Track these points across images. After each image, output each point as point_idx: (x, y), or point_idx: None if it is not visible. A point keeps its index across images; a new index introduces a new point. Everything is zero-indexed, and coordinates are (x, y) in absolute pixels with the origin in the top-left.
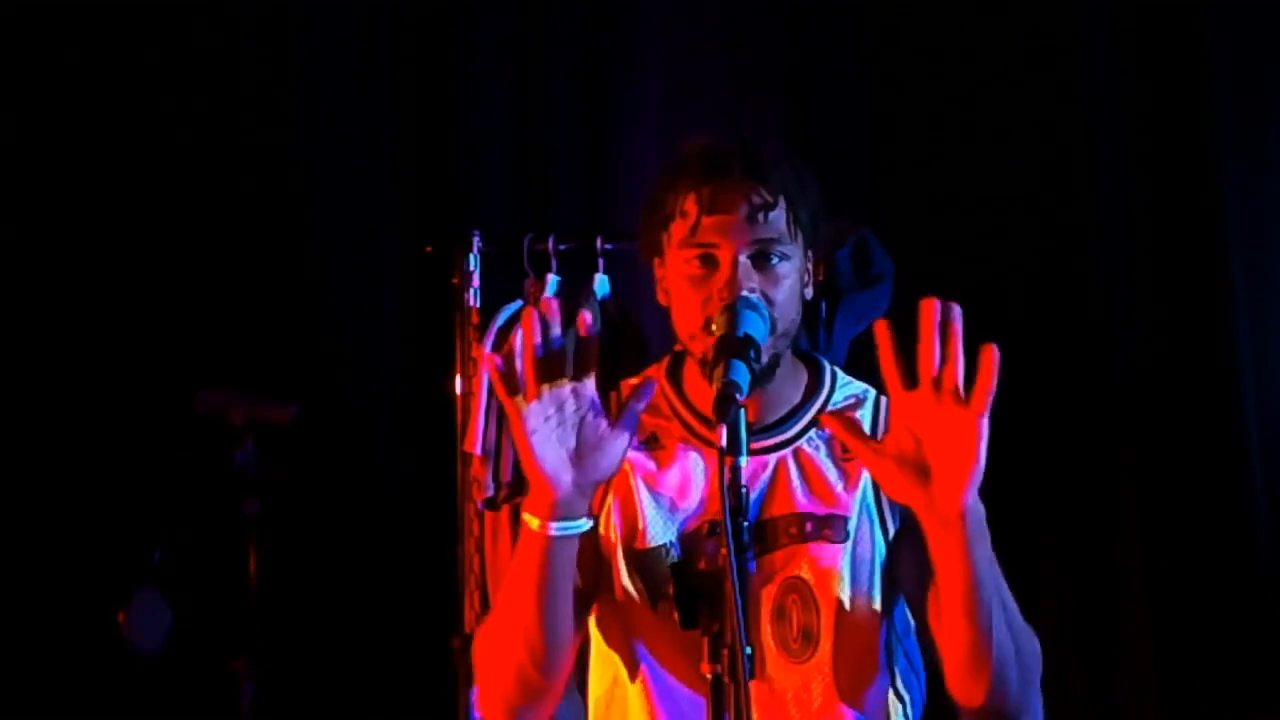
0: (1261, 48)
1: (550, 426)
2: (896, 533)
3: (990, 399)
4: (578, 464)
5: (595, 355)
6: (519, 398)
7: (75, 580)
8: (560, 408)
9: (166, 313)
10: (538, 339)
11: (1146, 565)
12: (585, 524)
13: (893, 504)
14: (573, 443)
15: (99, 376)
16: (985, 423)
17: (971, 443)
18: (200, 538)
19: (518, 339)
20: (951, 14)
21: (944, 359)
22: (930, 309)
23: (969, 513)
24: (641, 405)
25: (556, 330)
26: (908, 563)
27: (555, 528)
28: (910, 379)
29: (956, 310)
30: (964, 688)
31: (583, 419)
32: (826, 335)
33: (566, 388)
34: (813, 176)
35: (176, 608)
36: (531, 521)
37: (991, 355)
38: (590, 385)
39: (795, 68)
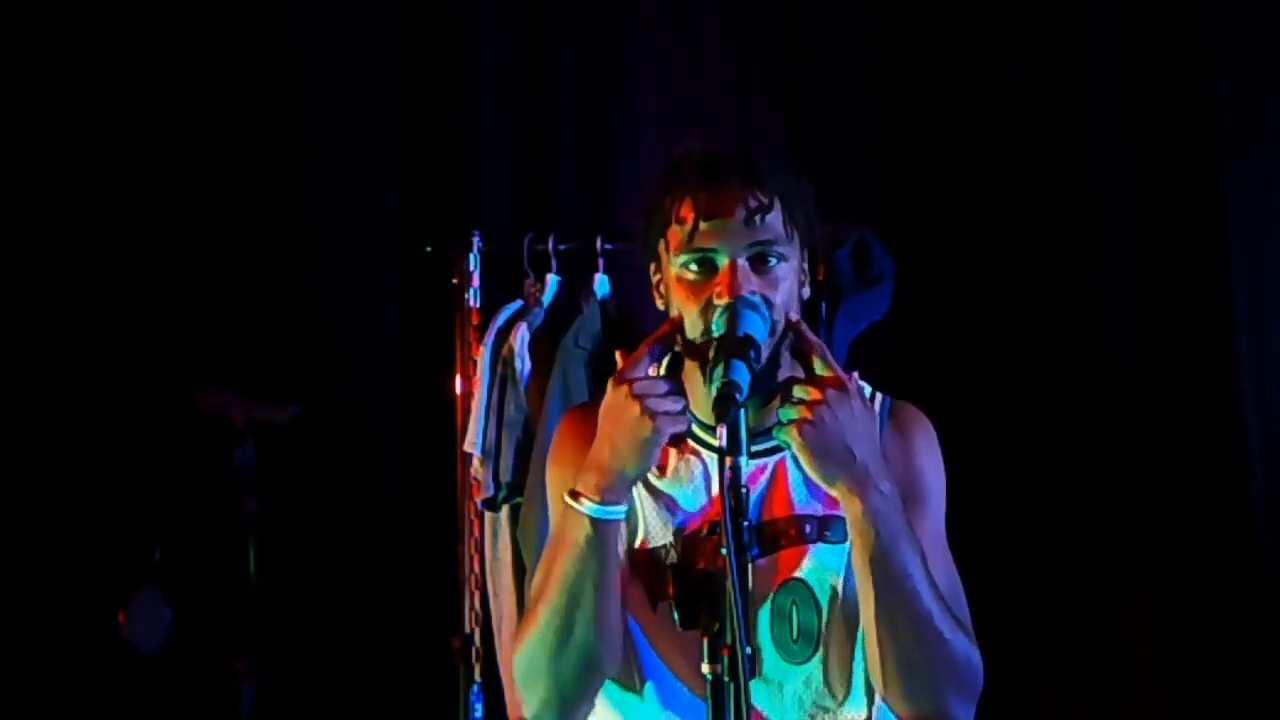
0: (1261, 48)
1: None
2: None
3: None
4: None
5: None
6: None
7: (75, 580)
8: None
9: (166, 313)
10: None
11: (1147, 567)
12: (625, 509)
13: None
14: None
15: (100, 376)
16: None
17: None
18: (200, 538)
19: (517, 338)
20: (951, 14)
21: None
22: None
23: (864, 511)
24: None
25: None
26: None
27: (607, 511)
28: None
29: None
30: (880, 687)
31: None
32: (826, 335)
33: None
34: (807, 176)
35: (176, 608)
36: (589, 506)
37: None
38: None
39: (795, 68)
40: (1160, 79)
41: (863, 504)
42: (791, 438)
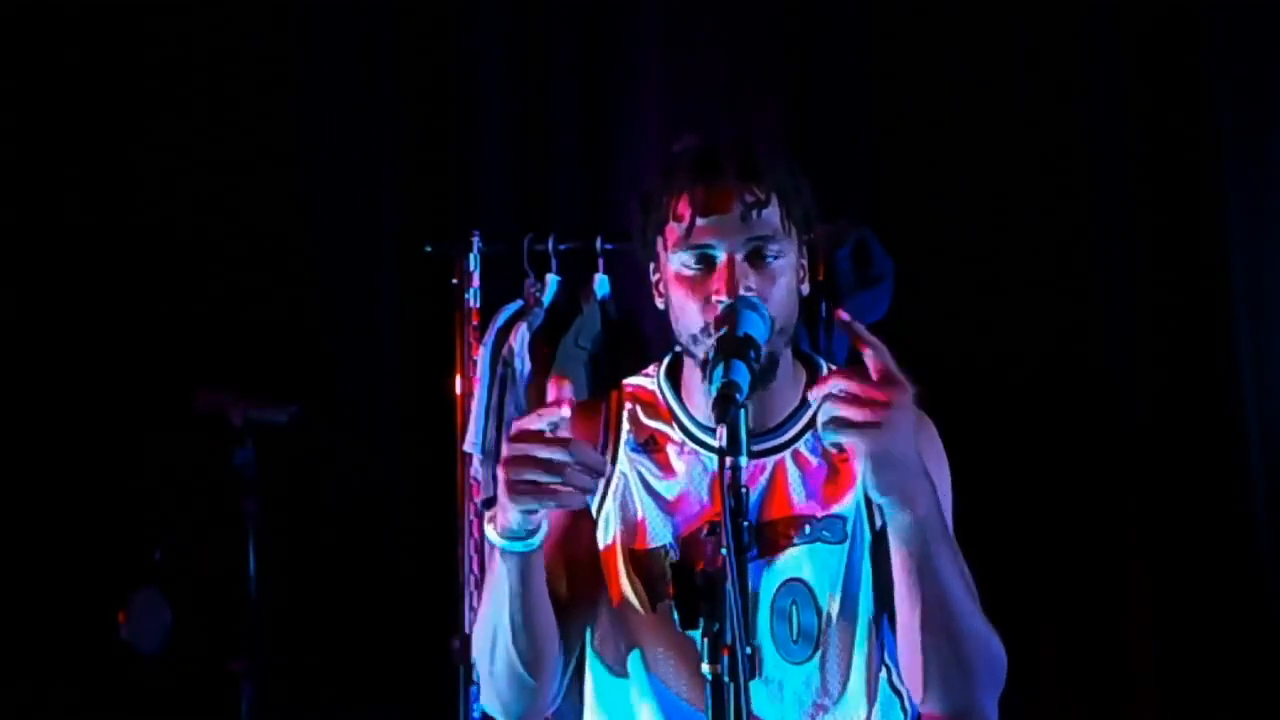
0: (1261, 48)
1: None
2: (881, 528)
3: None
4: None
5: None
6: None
7: (75, 580)
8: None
9: (167, 313)
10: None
11: (1147, 567)
12: (535, 544)
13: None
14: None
15: (99, 376)
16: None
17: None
18: (200, 538)
19: (517, 338)
20: (951, 14)
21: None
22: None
23: (913, 520)
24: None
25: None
26: (888, 559)
27: (507, 544)
28: None
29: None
30: (917, 690)
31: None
32: (826, 335)
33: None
34: (804, 172)
35: (176, 608)
36: (491, 534)
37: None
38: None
39: (795, 68)
40: (1160, 79)
41: (913, 514)
42: (852, 440)
